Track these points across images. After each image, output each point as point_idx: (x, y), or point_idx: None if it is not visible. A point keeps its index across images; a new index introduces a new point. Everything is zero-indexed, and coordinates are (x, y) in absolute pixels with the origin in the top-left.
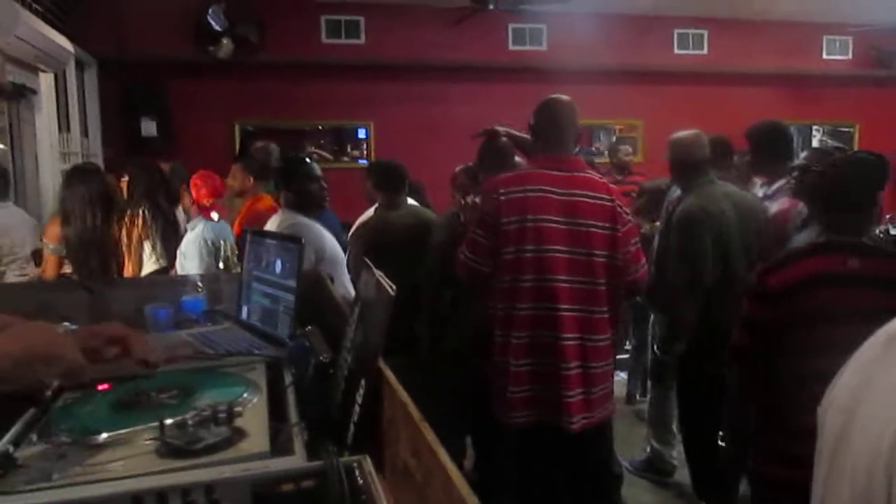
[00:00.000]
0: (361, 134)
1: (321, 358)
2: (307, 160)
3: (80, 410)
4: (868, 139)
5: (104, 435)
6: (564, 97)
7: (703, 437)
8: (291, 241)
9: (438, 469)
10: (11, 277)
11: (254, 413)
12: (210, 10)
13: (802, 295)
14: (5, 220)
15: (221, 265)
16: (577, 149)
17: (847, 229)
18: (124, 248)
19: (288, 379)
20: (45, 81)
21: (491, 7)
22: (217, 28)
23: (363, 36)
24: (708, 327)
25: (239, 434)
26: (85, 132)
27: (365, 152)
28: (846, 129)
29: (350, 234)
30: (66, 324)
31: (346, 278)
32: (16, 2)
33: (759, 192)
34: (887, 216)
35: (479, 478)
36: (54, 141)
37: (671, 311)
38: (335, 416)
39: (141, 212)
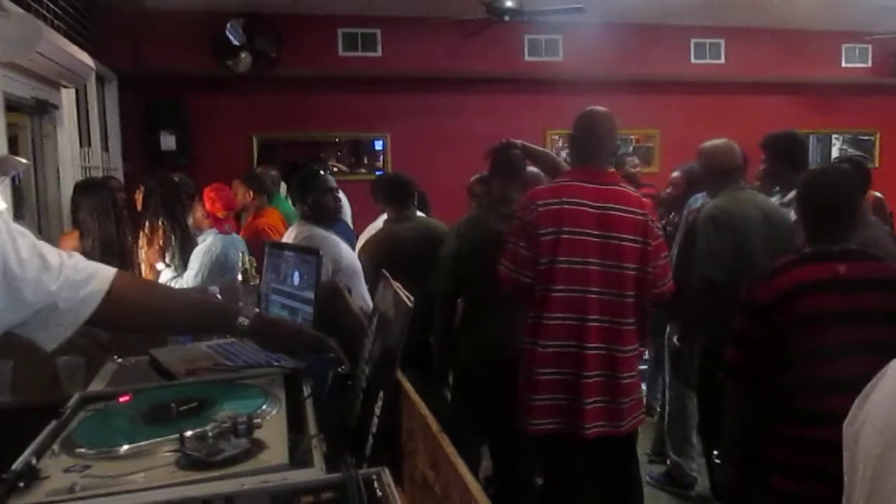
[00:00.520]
0: (378, 146)
1: (339, 369)
2: (321, 172)
3: (102, 422)
4: (889, 147)
5: (125, 447)
6: (603, 108)
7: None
8: (309, 252)
9: (457, 481)
10: None
11: (273, 425)
12: (228, 25)
13: (794, 303)
14: None
15: (240, 277)
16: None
17: (830, 238)
18: (143, 258)
19: (306, 391)
20: (67, 97)
21: (506, 18)
22: (235, 42)
23: (380, 48)
24: (724, 332)
25: (258, 446)
26: (105, 146)
27: (381, 164)
28: (867, 138)
29: (358, 249)
30: None
31: (364, 289)
32: (38, 19)
33: (775, 201)
34: None
35: (498, 489)
36: (75, 155)
37: (685, 309)
38: (354, 427)
39: (159, 223)
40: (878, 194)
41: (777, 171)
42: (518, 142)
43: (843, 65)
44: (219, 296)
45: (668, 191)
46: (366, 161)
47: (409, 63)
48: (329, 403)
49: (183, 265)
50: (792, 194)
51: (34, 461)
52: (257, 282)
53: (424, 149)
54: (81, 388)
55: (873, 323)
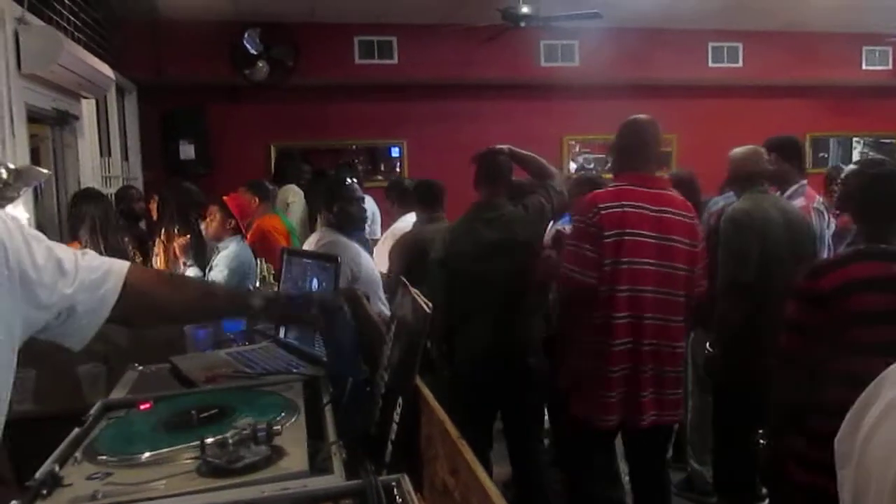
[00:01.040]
0: (395, 152)
1: (359, 374)
2: (349, 181)
3: (123, 430)
4: None
5: (146, 454)
6: (646, 116)
7: (733, 438)
8: (328, 259)
9: (477, 487)
10: None
11: (293, 432)
12: (246, 35)
13: (851, 297)
14: None
15: (258, 284)
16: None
17: (886, 238)
18: (159, 265)
19: (326, 398)
20: (87, 107)
21: (522, 25)
22: (253, 52)
23: (396, 56)
24: (751, 331)
25: (278, 453)
26: (125, 156)
27: (398, 170)
28: (888, 141)
29: (388, 249)
30: None
31: (382, 298)
32: (59, 31)
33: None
34: None
35: (515, 494)
36: (96, 165)
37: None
38: (373, 434)
39: (175, 229)
40: None
41: (783, 170)
42: (505, 147)
43: (864, 67)
44: None
45: None
46: (382, 168)
47: (425, 70)
48: (348, 410)
49: (200, 269)
50: (791, 190)
51: (57, 469)
52: (276, 289)
53: (441, 155)
54: (103, 395)
55: None
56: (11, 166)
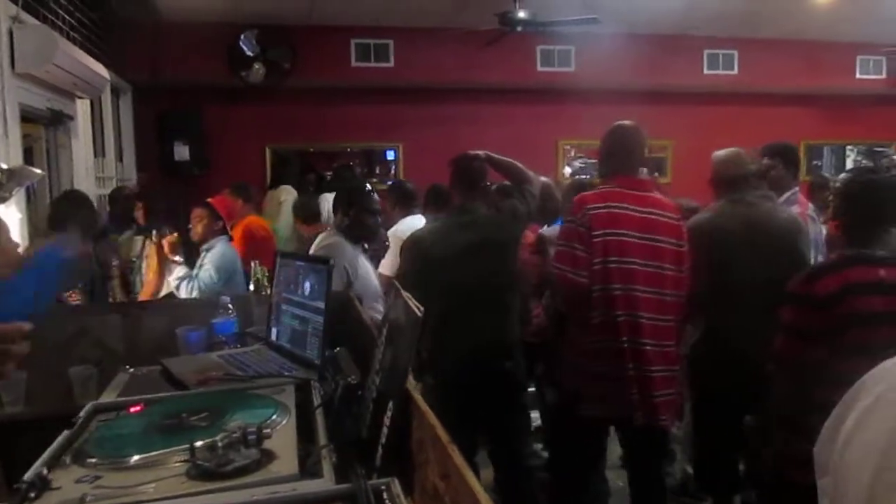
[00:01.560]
0: (390, 155)
1: (349, 379)
2: (371, 191)
3: (112, 433)
4: None
5: (136, 457)
6: (630, 122)
7: (711, 443)
8: (320, 262)
9: (467, 492)
10: None
11: (283, 435)
12: (242, 37)
13: (844, 301)
14: None
15: (252, 287)
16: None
17: (875, 243)
18: (148, 266)
19: (317, 401)
20: (82, 107)
21: (519, 29)
22: (249, 54)
23: (392, 59)
24: (710, 338)
25: (268, 456)
26: (120, 157)
27: (394, 173)
28: (881, 149)
29: (398, 249)
30: None
31: (378, 306)
32: (54, 31)
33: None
34: None
35: (499, 497)
36: (90, 165)
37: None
38: (364, 438)
39: (166, 229)
40: None
41: (781, 176)
42: (481, 153)
43: (858, 76)
44: (230, 306)
45: None
46: (378, 171)
47: (421, 73)
48: (339, 414)
49: (188, 268)
50: (786, 196)
51: (45, 471)
52: (268, 292)
53: (437, 158)
54: (94, 397)
55: None
56: (4, 166)
